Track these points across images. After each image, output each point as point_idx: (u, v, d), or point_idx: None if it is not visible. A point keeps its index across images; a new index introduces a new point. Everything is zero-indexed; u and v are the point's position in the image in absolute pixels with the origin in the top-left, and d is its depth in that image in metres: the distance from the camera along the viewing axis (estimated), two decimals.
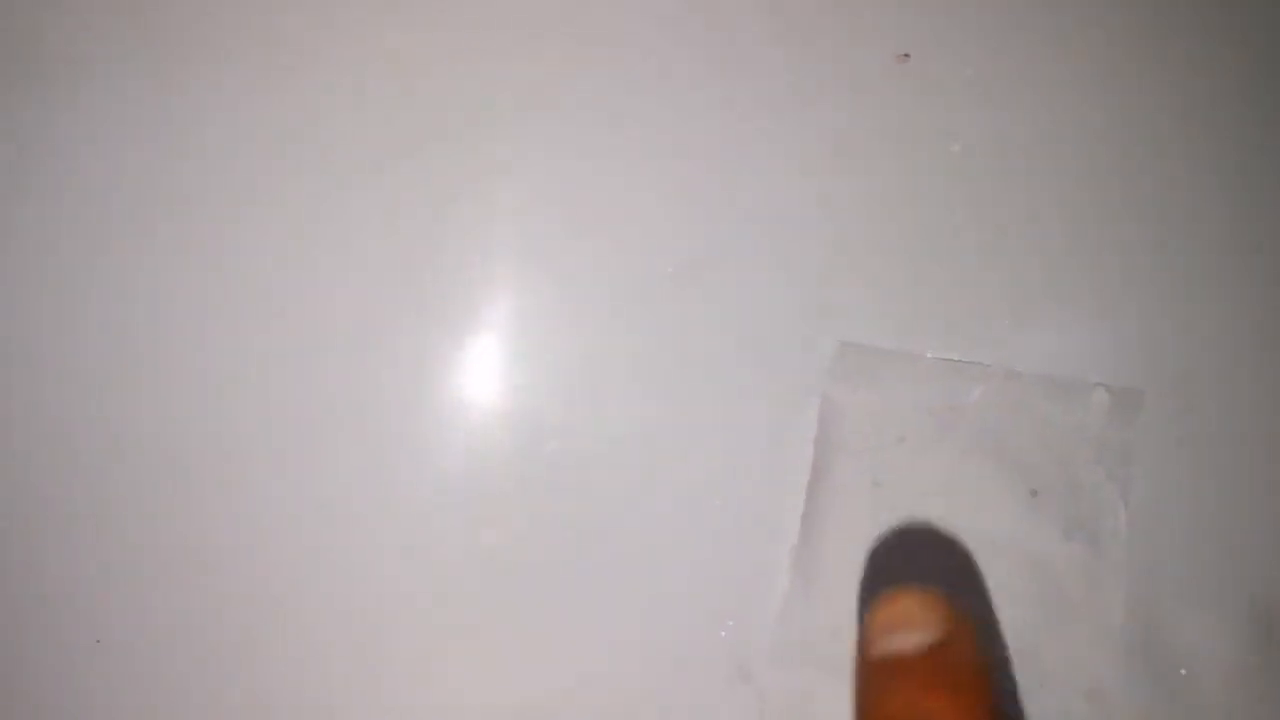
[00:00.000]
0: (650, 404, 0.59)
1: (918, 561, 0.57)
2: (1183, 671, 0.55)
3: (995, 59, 0.59)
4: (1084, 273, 0.59)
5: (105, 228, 0.60)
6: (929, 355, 0.58)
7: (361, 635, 0.58)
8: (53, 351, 0.59)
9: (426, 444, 0.58)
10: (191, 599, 0.58)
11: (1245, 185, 0.60)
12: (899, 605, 0.42)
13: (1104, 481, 0.57)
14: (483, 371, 0.59)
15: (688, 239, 0.59)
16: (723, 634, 0.56)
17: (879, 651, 0.41)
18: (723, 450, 0.58)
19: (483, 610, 0.57)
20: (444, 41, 0.60)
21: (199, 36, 0.60)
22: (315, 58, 0.60)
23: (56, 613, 0.58)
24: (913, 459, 0.57)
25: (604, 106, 0.60)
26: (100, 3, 0.61)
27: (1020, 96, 0.59)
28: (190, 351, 0.59)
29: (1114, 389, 0.58)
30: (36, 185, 0.60)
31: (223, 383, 0.59)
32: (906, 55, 0.59)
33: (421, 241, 0.59)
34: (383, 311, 0.59)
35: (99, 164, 0.60)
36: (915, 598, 0.42)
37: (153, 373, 0.59)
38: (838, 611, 0.55)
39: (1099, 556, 0.56)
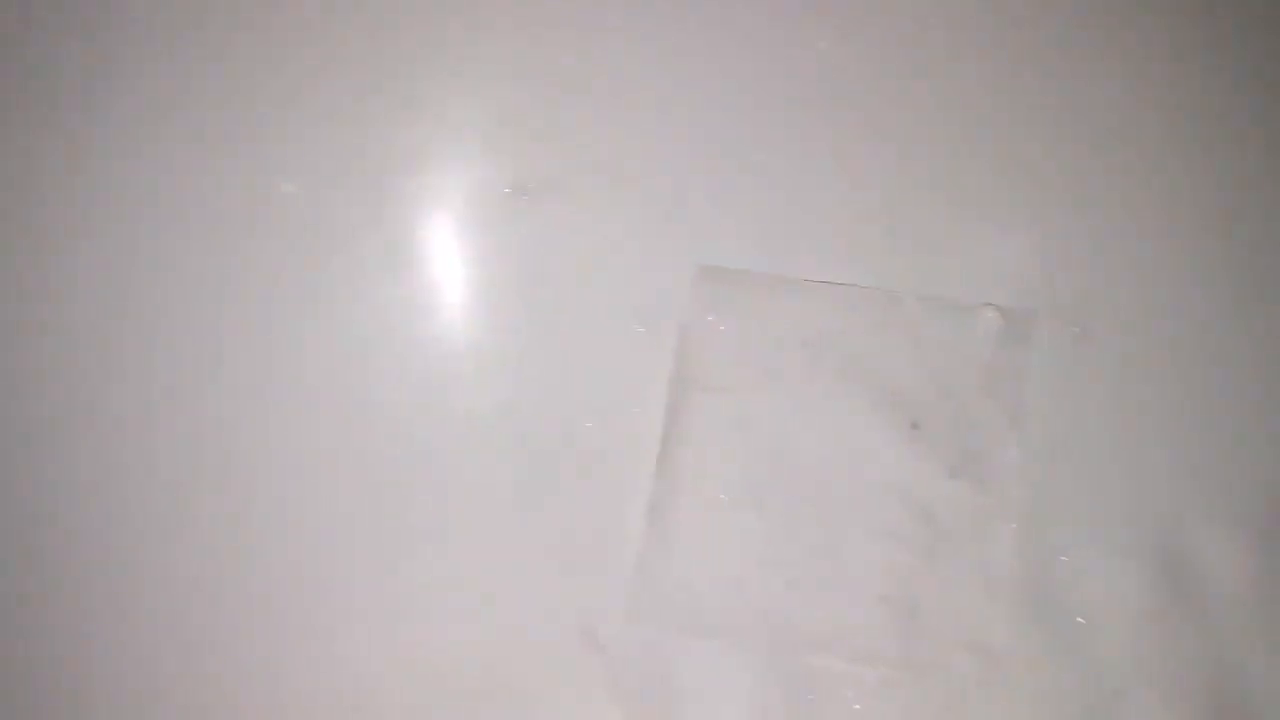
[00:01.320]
0: (487, 341, 0.52)
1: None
2: (1080, 620, 0.49)
3: None
4: (970, 184, 0.53)
5: None
6: (798, 278, 0.52)
7: (202, 604, 0.52)
8: None
9: (255, 394, 0.52)
10: None
11: (1148, 98, 0.54)
12: None
13: (993, 413, 0.51)
14: (308, 318, 0.53)
15: (524, 158, 0.53)
16: (572, 595, 0.50)
17: None
18: (568, 390, 0.52)
19: (315, 581, 0.51)
20: None
21: None
22: None
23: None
24: (781, 395, 0.51)
25: (445, 26, 0.54)
26: None
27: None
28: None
29: (1004, 310, 0.52)
30: None
31: None
32: None
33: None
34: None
35: None
36: None
37: None
38: (694, 567, 0.50)
39: (986, 495, 0.50)
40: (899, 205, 0.53)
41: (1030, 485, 0.50)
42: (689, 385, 0.51)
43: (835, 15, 0.53)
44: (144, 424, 0.52)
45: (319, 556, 0.51)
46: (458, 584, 0.51)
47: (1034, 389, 0.51)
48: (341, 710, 0.50)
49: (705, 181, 0.53)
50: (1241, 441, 0.51)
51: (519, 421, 0.52)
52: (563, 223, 0.53)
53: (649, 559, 0.50)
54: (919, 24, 0.53)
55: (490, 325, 0.53)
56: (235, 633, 0.51)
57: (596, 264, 0.52)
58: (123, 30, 0.55)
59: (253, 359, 0.52)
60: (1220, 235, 0.53)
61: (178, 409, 0.52)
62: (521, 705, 0.50)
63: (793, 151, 0.53)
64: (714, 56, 0.53)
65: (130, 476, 0.52)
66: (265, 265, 0.53)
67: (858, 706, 0.48)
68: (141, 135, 0.54)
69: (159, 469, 0.52)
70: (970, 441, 0.51)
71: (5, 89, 0.54)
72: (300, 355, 0.52)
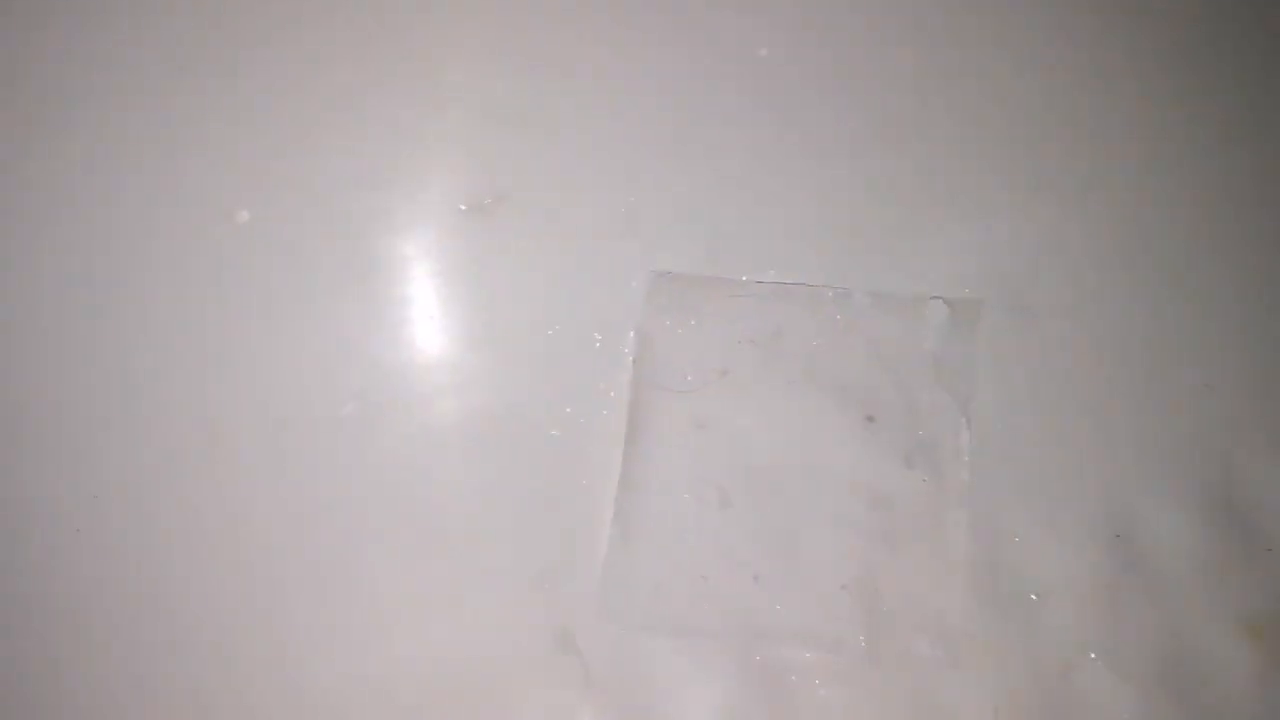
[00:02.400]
0: (451, 352, 0.53)
1: None
2: (1033, 597, 0.51)
3: None
4: (911, 181, 0.54)
5: None
6: (748, 279, 0.53)
7: (174, 616, 0.52)
8: None
9: (220, 414, 0.53)
10: None
11: (1085, 87, 0.55)
12: None
13: (944, 402, 0.53)
14: (267, 337, 0.53)
15: (477, 175, 0.54)
16: (543, 596, 0.51)
17: None
18: (532, 400, 0.53)
19: (286, 592, 0.52)
20: None
21: None
22: None
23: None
24: (737, 394, 0.53)
25: (398, 47, 0.54)
26: None
27: None
28: None
29: (951, 301, 0.53)
30: None
31: None
32: None
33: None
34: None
35: None
36: None
37: None
38: (661, 566, 0.51)
39: (942, 482, 0.52)
40: (844, 205, 0.54)
41: (982, 470, 0.52)
42: (649, 388, 0.53)
43: (776, 22, 0.54)
44: (104, 448, 0.53)
45: (288, 569, 0.52)
46: (429, 591, 0.52)
47: (983, 377, 0.53)
48: (322, 713, 0.51)
49: (655, 191, 0.54)
50: (1185, 420, 0.53)
51: (484, 432, 0.53)
52: (518, 236, 0.54)
53: (617, 559, 0.51)
54: (858, 30, 0.54)
55: (451, 340, 0.54)
56: (207, 643, 0.52)
57: (553, 275, 0.53)
58: (71, 58, 0.55)
59: (217, 379, 0.53)
60: (1161, 219, 0.55)
61: (140, 433, 0.53)
62: (498, 706, 0.51)
63: (739, 159, 0.54)
64: (659, 65, 0.54)
65: (93, 502, 0.52)
66: (224, 291, 0.54)
67: (825, 693, 0.50)
68: (91, 166, 0.54)
69: (124, 494, 0.52)
70: (924, 431, 0.52)
71: None
72: (262, 374, 0.53)
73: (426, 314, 0.54)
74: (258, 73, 0.55)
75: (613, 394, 0.53)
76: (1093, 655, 0.50)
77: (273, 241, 0.54)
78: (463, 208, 0.54)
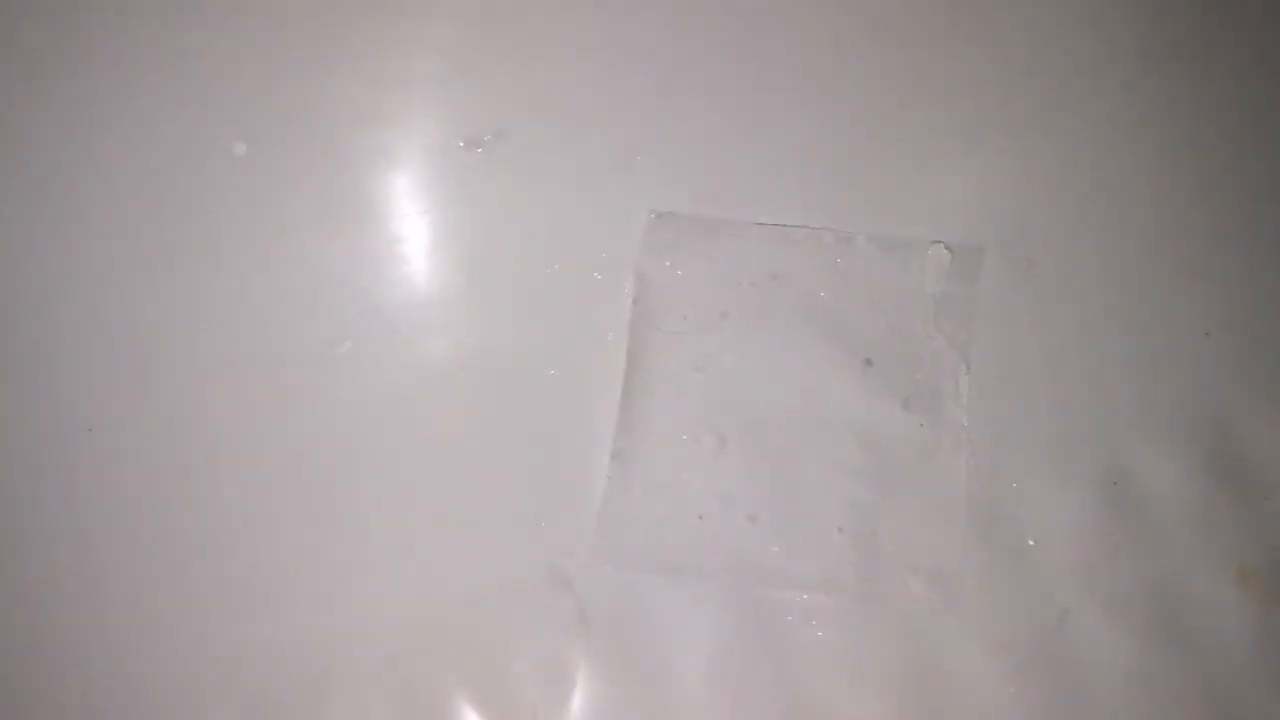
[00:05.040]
0: (446, 294, 0.53)
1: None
2: (1030, 542, 0.51)
3: None
4: (915, 123, 0.54)
5: None
6: (750, 221, 0.53)
7: (166, 560, 0.52)
8: None
9: (216, 352, 0.52)
10: None
11: (1088, 29, 0.55)
12: None
13: (944, 347, 0.53)
14: (264, 274, 0.53)
15: (476, 111, 0.53)
16: (539, 536, 0.51)
17: None
18: (530, 340, 0.52)
19: (285, 530, 0.52)
20: None
21: None
22: None
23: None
24: (736, 336, 0.52)
25: None
26: None
27: None
28: None
29: (953, 246, 0.53)
30: None
31: None
32: None
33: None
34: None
35: None
36: None
37: None
38: (657, 506, 0.51)
39: (939, 427, 0.52)
40: (847, 147, 0.54)
41: (981, 415, 0.52)
42: (648, 329, 0.52)
43: None
44: (94, 383, 0.52)
45: (281, 507, 0.52)
46: (424, 530, 0.52)
47: (983, 322, 0.53)
48: (315, 654, 0.51)
49: (656, 128, 0.53)
50: (1183, 367, 0.53)
51: (482, 372, 0.53)
52: (516, 174, 0.53)
53: (613, 499, 0.51)
54: None
55: (448, 279, 0.53)
56: (197, 582, 0.51)
57: (552, 214, 0.53)
58: None
59: (209, 316, 0.52)
60: (1166, 165, 0.55)
61: (130, 371, 0.52)
62: (491, 645, 0.51)
63: (742, 97, 0.53)
64: (661, 1, 0.54)
65: (82, 437, 0.52)
66: (221, 225, 0.53)
67: (820, 634, 0.50)
68: (89, 103, 0.53)
69: (116, 431, 0.52)
70: (922, 376, 0.52)
71: None
72: (257, 311, 0.53)
73: (424, 251, 0.53)
74: (254, 6, 0.54)
75: (610, 335, 0.52)
76: (1087, 600, 0.50)
77: (268, 176, 0.53)
78: (461, 144, 0.53)
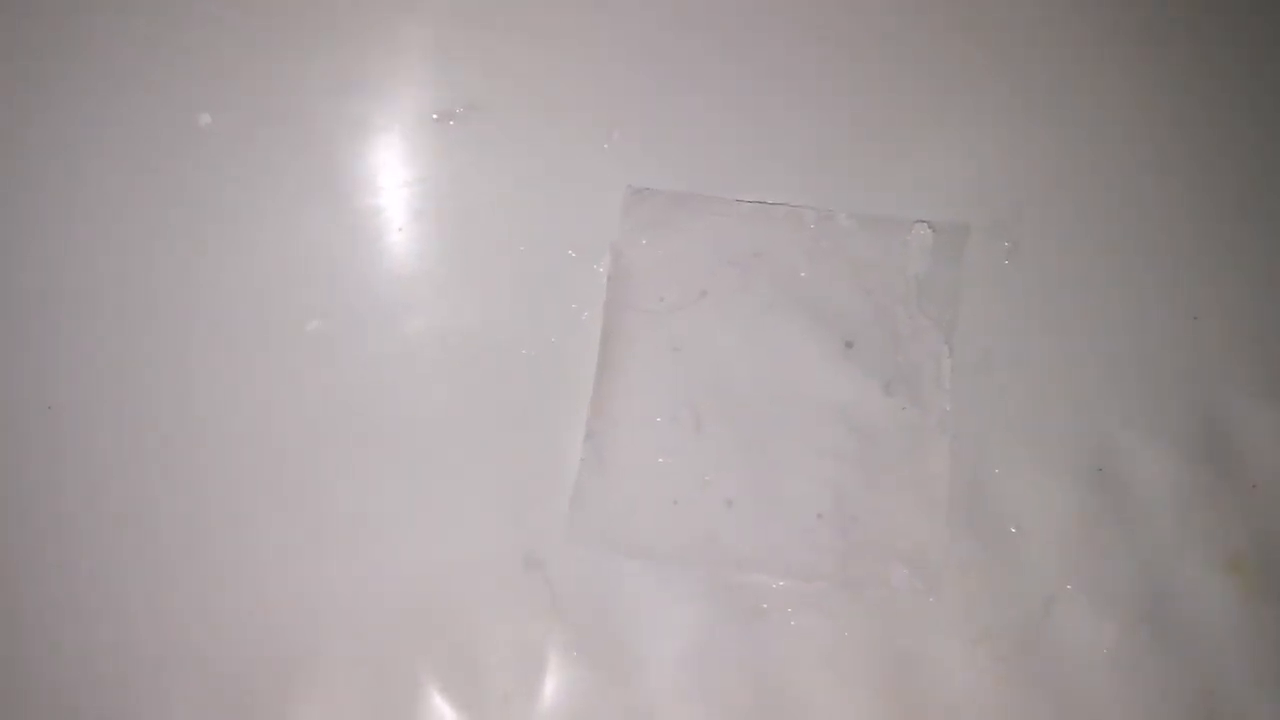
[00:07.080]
0: (420, 266, 0.52)
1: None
2: (1013, 529, 0.50)
3: None
4: (900, 101, 0.53)
5: None
6: (729, 198, 0.52)
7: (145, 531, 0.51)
8: None
9: (191, 328, 0.51)
10: None
11: (1075, 8, 0.54)
12: None
13: (927, 328, 0.51)
14: (236, 250, 0.51)
15: (450, 83, 0.52)
16: (512, 518, 0.50)
17: None
18: (503, 317, 0.51)
19: (258, 507, 0.51)
20: None
21: None
22: None
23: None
24: (714, 316, 0.51)
25: None
26: None
27: None
28: None
29: (937, 225, 0.52)
30: None
31: None
32: None
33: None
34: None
35: None
36: None
37: None
38: (632, 489, 0.50)
39: (921, 410, 0.51)
40: (830, 124, 0.52)
41: (963, 400, 0.51)
42: (624, 308, 0.51)
43: None
44: (62, 360, 0.51)
45: (253, 486, 0.50)
46: (396, 510, 0.50)
47: (966, 304, 0.52)
48: (288, 633, 0.49)
49: (634, 103, 0.52)
50: (1169, 354, 0.52)
51: (454, 349, 0.51)
52: (492, 148, 0.52)
53: (587, 481, 0.50)
54: None
55: (422, 254, 0.52)
56: (172, 560, 0.50)
57: (527, 189, 0.52)
58: None
59: (176, 291, 0.51)
60: (1151, 149, 0.54)
61: (99, 346, 0.51)
62: (464, 627, 0.49)
63: (722, 72, 0.52)
64: None
65: (48, 414, 0.50)
66: (190, 199, 0.52)
67: (797, 621, 0.49)
68: (55, 73, 0.52)
69: (83, 409, 0.50)
70: (904, 358, 0.51)
71: None
72: (224, 286, 0.51)
73: (395, 226, 0.52)
74: None
75: (586, 314, 0.51)
76: (1072, 588, 0.49)
77: (236, 148, 0.52)
78: (434, 117, 0.52)
